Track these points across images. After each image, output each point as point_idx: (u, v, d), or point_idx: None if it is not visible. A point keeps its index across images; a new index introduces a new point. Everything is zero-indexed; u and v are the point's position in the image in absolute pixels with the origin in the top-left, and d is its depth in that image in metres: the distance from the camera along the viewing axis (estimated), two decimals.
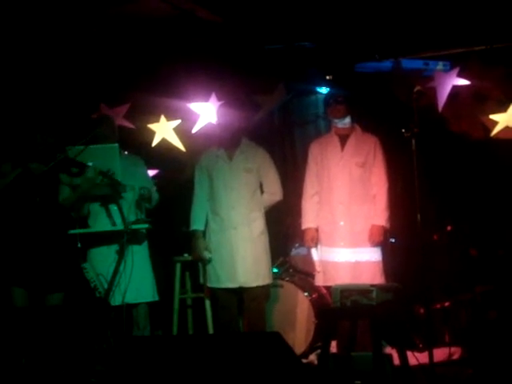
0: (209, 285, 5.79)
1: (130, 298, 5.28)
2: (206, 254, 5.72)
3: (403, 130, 4.86)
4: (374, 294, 4.55)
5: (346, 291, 4.60)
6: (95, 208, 5.49)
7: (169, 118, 6.71)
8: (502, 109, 6.21)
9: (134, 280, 5.20)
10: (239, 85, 6.54)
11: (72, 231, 5.25)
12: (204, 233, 5.78)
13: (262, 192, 5.82)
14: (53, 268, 5.09)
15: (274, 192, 5.83)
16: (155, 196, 5.63)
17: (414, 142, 4.88)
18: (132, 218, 5.39)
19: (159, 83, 6.51)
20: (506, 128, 6.19)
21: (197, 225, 5.77)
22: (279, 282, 6.20)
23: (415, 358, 4.86)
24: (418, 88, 5.16)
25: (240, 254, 5.66)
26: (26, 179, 5.09)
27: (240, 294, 5.74)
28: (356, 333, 4.84)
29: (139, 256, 5.41)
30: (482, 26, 5.88)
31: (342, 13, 5.87)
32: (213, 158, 5.80)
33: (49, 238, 5.11)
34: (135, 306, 5.41)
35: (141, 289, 5.37)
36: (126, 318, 5.20)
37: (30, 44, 5.94)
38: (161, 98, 6.57)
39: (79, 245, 5.24)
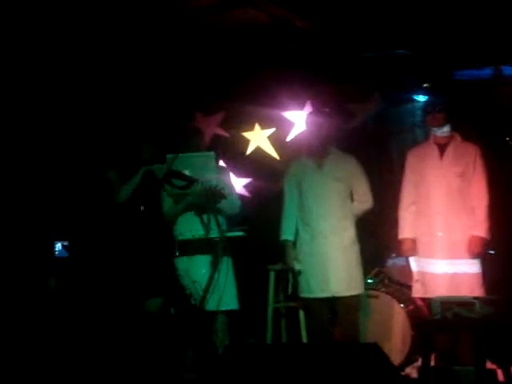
0: (301, 295, 5.75)
1: (214, 306, 5.29)
2: (296, 265, 5.69)
3: (507, 139, 4.72)
4: (476, 307, 4.43)
5: (446, 303, 4.48)
6: (190, 216, 5.53)
7: (263, 126, 6.72)
8: None
9: (221, 288, 5.25)
10: (334, 93, 6.51)
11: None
12: (295, 243, 5.75)
13: (352, 201, 5.75)
14: (154, 274, 5.16)
15: (364, 200, 5.75)
16: (236, 204, 5.62)
17: None
18: (225, 226, 5.41)
19: (253, 92, 6.54)
20: None
21: (287, 235, 5.76)
22: (374, 292, 6.11)
23: None
24: None
25: (332, 263, 5.62)
26: (148, 182, 5.20)
27: (332, 303, 5.67)
28: (457, 346, 4.72)
29: (227, 264, 5.45)
30: None
31: (439, 20, 5.77)
32: (302, 168, 5.78)
33: (150, 246, 5.19)
34: (216, 314, 5.43)
35: (224, 297, 5.38)
36: (210, 325, 5.25)
37: (129, 57, 6.05)
38: (255, 107, 6.59)
39: (177, 253, 5.30)
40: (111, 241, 5.19)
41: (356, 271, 5.67)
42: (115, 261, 5.16)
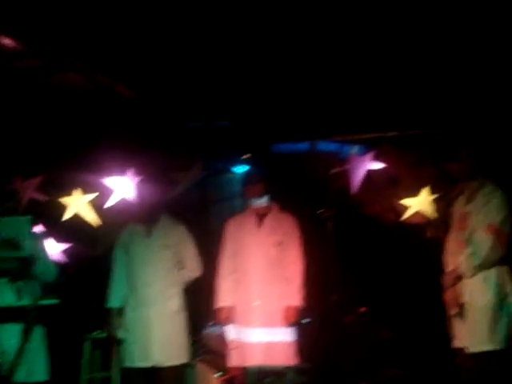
0: (122, 364, 5.65)
1: (23, 377, 5.10)
2: (119, 333, 5.59)
3: (319, 212, 4.93)
4: (289, 376, 4.51)
5: (262, 372, 4.54)
6: (0, 282, 5.33)
7: (85, 191, 6.60)
8: (414, 194, 6.36)
9: (32, 358, 5.10)
10: (157, 161, 6.53)
11: None
12: (122, 310, 5.67)
13: (180, 268, 5.76)
14: None
15: (192, 268, 5.80)
16: (51, 270, 5.47)
17: (329, 223, 4.95)
18: (39, 293, 5.25)
19: (77, 157, 6.45)
20: (417, 213, 6.33)
21: (113, 302, 5.69)
22: (191, 361, 6.07)
23: None
24: (334, 170, 5.27)
25: (156, 332, 5.58)
26: None
27: (153, 373, 5.59)
28: None
29: (38, 333, 5.28)
30: (395, 112, 6.09)
31: (260, 94, 5.99)
32: (130, 234, 5.79)
33: None
34: None
35: (34, 367, 5.20)
36: None
37: None
38: (77, 172, 6.48)
39: None
40: None
41: (180, 340, 5.66)
42: None
